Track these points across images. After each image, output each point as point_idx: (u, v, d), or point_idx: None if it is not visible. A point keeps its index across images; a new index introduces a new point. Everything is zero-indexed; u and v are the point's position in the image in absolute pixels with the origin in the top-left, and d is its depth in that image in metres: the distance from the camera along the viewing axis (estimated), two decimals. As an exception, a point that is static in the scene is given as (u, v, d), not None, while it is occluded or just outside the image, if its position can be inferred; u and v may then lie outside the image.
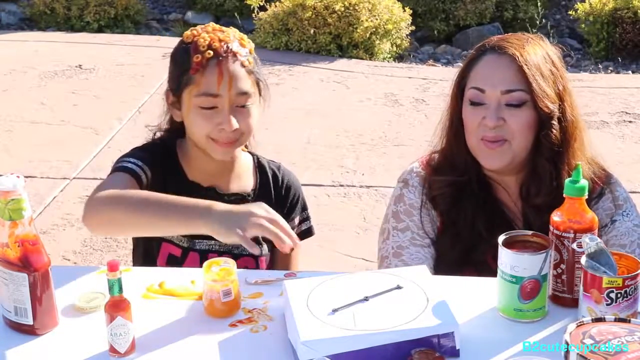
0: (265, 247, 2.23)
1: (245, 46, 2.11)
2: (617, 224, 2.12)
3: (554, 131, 2.06)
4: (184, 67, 2.07)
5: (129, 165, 2.08)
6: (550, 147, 2.07)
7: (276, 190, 2.29)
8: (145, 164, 2.10)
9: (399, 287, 1.75)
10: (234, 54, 2.07)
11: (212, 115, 2.07)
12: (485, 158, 2.09)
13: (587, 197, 1.81)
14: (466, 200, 2.13)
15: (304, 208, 2.36)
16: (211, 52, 2.05)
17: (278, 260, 2.30)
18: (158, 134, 2.25)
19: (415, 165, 2.23)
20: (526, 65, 2.03)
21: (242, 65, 2.08)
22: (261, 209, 1.80)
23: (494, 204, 2.15)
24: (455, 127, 2.14)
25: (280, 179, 2.30)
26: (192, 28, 2.15)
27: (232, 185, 2.22)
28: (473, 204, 2.12)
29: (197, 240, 2.16)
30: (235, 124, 2.07)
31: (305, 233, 2.37)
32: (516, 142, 2.06)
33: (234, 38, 2.10)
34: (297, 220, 2.33)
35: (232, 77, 2.06)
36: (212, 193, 2.17)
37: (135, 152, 2.15)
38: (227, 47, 2.07)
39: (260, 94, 2.14)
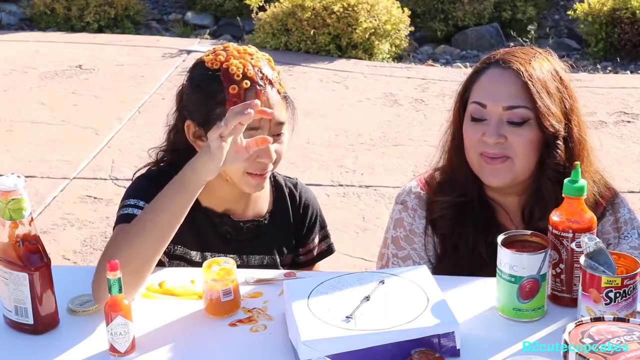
0: (281, 271, 2.20)
1: (274, 69, 1.98)
2: (611, 247, 2.04)
3: (559, 151, 1.99)
4: (216, 99, 1.92)
5: (132, 211, 1.94)
6: (555, 168, 1.99)
7: (294, 210, 2.20)
8: (149, 202, 1.91)
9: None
10: (270, 81, 1.94)
11: None
12: (485, 174, 2.02)
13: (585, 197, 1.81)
14: (468, 223, 2.06)
15: (323, 226, 2.28)
16: (248, 82, 1.91)
17: None
18: (161, 155, 2.12)
19: (413, 185, 2.15)
20: (531, 81, 1.96)
21: (278, 92, 1.96)
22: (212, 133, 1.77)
23: (496, 228, 2.04)
24: (457, 142, 2.07)
25: (297, 197, 2.21)
26: (213, 51, 1.98)
27: (248, 209, 2.13)
28: (474, 227, 2.06)
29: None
30: (274, 154, 1.96)
31: (326, 252, 2.30)
32: (518, 161, 1.99)
33: (263, 60, 1.97)
34: (317, 240, 2.27)
35: (272, 106, 1.92)
36: (226, 219, 2.10)
37: (139, 186, 2.03)
38: (262, 73, 1.93)
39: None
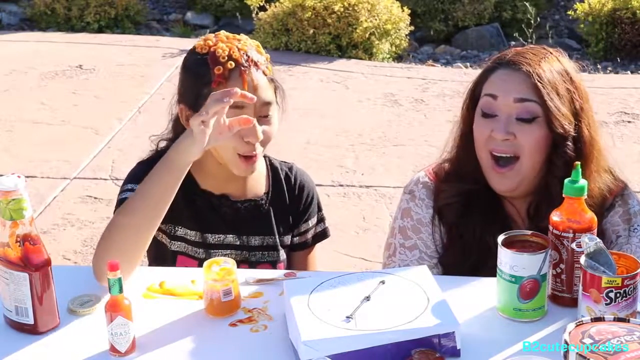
0: (282, 252, 2.22)
1: (262, 54, 2.06)
2: (621, 239, 2.06)
3: (568, 152, 1.99)
4: (204, 80, 2.00)
5: (129, 195, 1.98)
6: (563, 168, 1.98)
7: (289, 191, 2.24)
8: None
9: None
10: (255, 63, 2.02)
11: None
12: (493, 180, 2.03)
13: (586, 199, 1.80)
14: (475, 212, 2.07)
15: (320, 208, 2.32)
16: (232, 63, 1.99)
17: (295, 265, 2.26)
18: (163, 143, 2.16)
19: (421, 175, 2.17)
20: (540, 82, 1.97)
21: (264, 74, 2.03)
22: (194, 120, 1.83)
23: (504, 218, 2.08)
24: (465, 140, 2.08)
25: (293, 179, 2.26)
26: (204, 37, 2.07)
27: (245, 190, 2.18)
28: (482, 216, 2.07)
29: (212, 251, 2.14)
30: (261, 134, 2.01)
31: (321, 236, 2.33)
32: (526, 160, 1.99)
33: (251, 46, 2.04)
34: (312, 222, 2.29)
35: (256, 87, 2.00)
36: (224, 200, 2.15)
37: (137, 171, 2.10)
38: (247, 55, 2.01)
39: (277, 102, 2.09)
